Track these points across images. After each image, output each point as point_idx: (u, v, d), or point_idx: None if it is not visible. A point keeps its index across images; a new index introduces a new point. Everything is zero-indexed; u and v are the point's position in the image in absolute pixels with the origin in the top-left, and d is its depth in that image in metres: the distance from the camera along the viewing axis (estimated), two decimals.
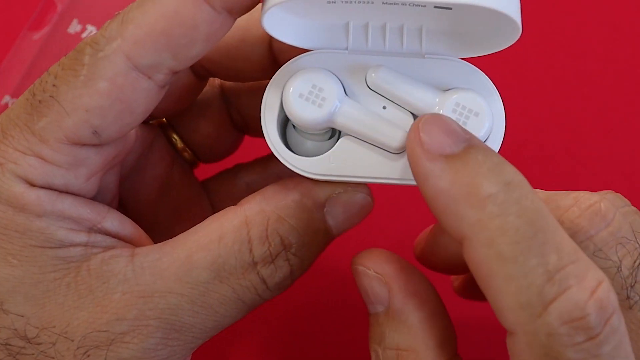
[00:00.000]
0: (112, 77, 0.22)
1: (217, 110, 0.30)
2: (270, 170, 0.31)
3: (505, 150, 0.38)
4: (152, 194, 0.29)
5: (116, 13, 0.22)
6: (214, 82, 0.30)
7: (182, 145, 0.30)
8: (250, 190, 0.30)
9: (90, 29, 0.40)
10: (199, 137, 0.30)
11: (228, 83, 0.30)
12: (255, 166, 0.31)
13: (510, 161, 0.37)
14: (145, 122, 0.28)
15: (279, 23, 0.23)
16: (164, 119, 0.30)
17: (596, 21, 0.42)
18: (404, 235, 0.38)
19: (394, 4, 0.22)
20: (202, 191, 0.31)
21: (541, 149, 0.40)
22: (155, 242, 0.24)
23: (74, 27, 0.40)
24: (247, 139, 0.32)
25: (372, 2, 0.22)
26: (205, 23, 0.21)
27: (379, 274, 0.24)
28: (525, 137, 0.40)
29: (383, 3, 0.22)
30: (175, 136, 0.30)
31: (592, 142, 0.40)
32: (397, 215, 0.38)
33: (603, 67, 0.42)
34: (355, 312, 0.37)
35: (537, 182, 0.38)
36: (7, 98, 0.39)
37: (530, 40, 0.42)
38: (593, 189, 0.38)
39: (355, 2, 0.22)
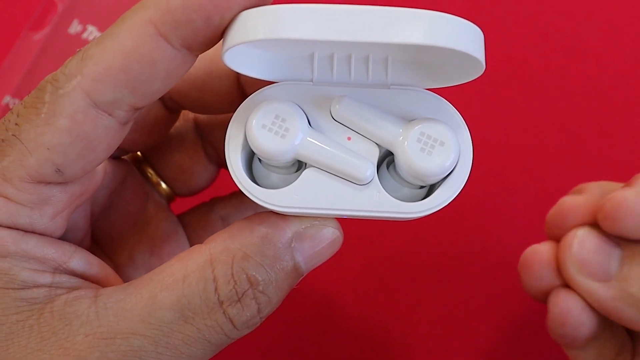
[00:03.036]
0: (72, 114, 0.21)
1: (191, 144, 0.30)
2: (246, 204, 0.30)
3: (504, 151, 0.38)
4: (127, 230, 0.29)
5: (77, 50, 0.22)
6: (188, 116, 0.30)
7: (157, 179, 0.30)
8: (226, 224, 0.30)
9: (91, 29, 0.40)
10: (174, 171, 0.30)
11: (202, 117, 0.30)
12: (232, 199, 0.31)
13: (509, 164, 0.37)
14: (117, 158, 0.28)
15: (241, 57, 0.22)
16: (139, 154, 0.30)
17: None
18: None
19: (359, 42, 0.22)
20: (179, 225, 0.31)
21: (541, 150, 0.39)
22: (132, 279, 0.24)
23: (75, 27, 0.40)
24: (226, 172, 0.31)
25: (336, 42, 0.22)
26: (164, 60, 0.21)
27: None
28: (524, 139, 0.40)
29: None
30: (150, 170, 0.30)
31: (592, 143, 0.39)
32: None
33: (600, 70, 0.41)
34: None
35: (537, 182, 0.38)
36: (7, 98, 0.39)
37: (532, 39, 0.41)
38: None
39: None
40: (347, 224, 0.25)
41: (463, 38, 0.20)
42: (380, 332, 0.37)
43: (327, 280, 0.37)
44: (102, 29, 0.40)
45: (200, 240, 0.24)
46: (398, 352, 0.37)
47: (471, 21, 0.21)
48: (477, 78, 0.22)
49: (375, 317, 0.37)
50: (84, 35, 0.40)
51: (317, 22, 0.20)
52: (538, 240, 0.37)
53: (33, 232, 0.23)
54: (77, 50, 0.22)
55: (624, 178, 0.38)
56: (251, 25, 0.20)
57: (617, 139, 0.39)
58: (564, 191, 0.38)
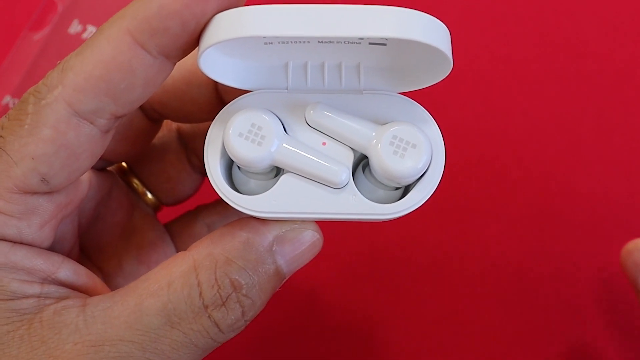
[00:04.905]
0: (55, 124, 0.22)
1: (175, 154, 0.31)
2: (230, 211, 0.31)
3: (504, 150, 0.39)
4: (114, 240, 0.30)
5: (58, 62, 0.23)
6: (171, 126, 0.31)
7: (142, 189, 0.31)
8: (211, 230, 0.30)
9: (91, 29, 0.40)
10: (159, 181, 0.31)
11: (184, 126, 0.31)
12: (216, 207, 0.31)
13: (509, 162, 0.37)
14: (102, 169, 0.29)
15: (217, 65, 0.23)
16: (125, 165, 0.31)
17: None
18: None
19: (330, 42, 0.22)
20: (166, 234, 0.31)
21: (541, 148, 0.40)
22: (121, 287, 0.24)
23: (75, 27, 0.41)
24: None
25: (309, 42, 0.23)
26: (142, 68, 0.22)
27: None
28: (524, 138, 0.40)
29: (319, 42, 0.23)
30: (136, 181, 0.31)
31: (592, 143, 0.40)
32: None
33: (600, 67, 0.41)
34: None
35: (537, 182, 0.38)
36: (7, 98, 0.40)
37: (533, 38, 0.42)
38: (593, 189, 0.38)
39: (291, 42, 0.23)
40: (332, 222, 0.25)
41: (431, 33, 0.21)
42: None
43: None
44: None
45: (186, 248, 0.25)
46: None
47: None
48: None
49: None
50: (84, 35, 0.40)
51: (284, 19, 0.20)
52: (537, 241, 0.38)
53: (21, 243, 0.23)
54: (58, 62, 0.23)
55: (624, 178, 0.39)
56: (220, 27, 0.21)
57: (617, 139, 0.40)
58: (564, 191, 0.38)
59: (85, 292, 0.25)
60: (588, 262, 0.38)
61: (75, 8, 0.41)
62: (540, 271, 0.38)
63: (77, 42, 0.40)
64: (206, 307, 0.23)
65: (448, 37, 0.21)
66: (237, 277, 0.23)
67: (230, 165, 0.25)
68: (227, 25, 0.21)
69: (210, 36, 0.21)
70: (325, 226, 0.25)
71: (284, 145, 0.23)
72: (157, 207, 0.32)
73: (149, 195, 0.31)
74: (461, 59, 0.38)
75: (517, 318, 0.37)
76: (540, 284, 0.38)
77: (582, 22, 0.42)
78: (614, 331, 0.37)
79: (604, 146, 0.40)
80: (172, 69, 0.23)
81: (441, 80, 0.23)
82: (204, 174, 0.31)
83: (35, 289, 0.23)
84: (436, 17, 0.21)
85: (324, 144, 0.23)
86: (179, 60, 0.22)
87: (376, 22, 0.20)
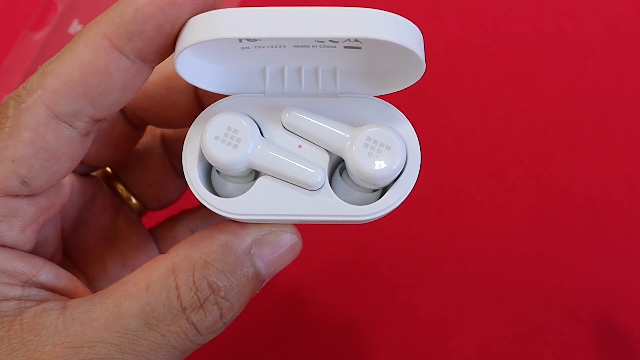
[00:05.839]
0: (35, 126, 0.22)
1: (158, 159, 0.31)
2: (212, 216, 0.31)
3: (508, 150, 0.39)
4: (98, 245, 0.30)
5: (38, 67, 0.23)
6: (155, 132, 0.31)
7: (127, 194, 0.31)
8: None
9: None
10: (143, 186, 0.31)
11: (168, 132, 0.31)
12: (199, 211, 0.32)
13: (510, 161, 0.36)
14: (86, 175, 0.29)
15: (194, 69, 0.23)
16: (109, 170, 0.31)
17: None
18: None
19: (305, 45, 0.23)
20: (150, 238, 0.31)
21: (541, 148, 0.40)
22: None
23: (75, 27, 0.41)
24: None
25: (284, 46, 0.23)
26: (119, 71, 0.22)
27: None
28: (525, 137, 0.40)
29: (295, 46, 0.23)
30: (120, 186, 0.31)
31: (592, 143, 0.40)
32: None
33: (601, 68, 0.42)
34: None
35: (537, 182, 0.38)
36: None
37: (528, 43, 0.42)
38: (593, 189, 0.38)
39: (268, 46, 0.23)
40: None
41: (403, 34, 0.21)
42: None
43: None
44: None
45: None
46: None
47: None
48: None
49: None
50: None
51: (257, 21, 0.21)
52: (537, 241, 0.37)
53: (2, 246, 0.24)
54: (38, 67, 0.23)
55: (624, 178, 0.39)
56: (194, 30, 0.21)
57: (617, 139, 0.40)
58: (564, 191, 0.38)
59: (67, 294, 0.25)
60: (588, 262, 0.38)
61: (75, 8, 0.41)
62: (539, 271, 0.38)
63: None
64: (184, 309, 0.23)
65: (420, 38, 0.22)
66: (215, 280, 0.23)
67: (209, 169, 0.25)
68: (200, 28, 0.21)
69: (185, 39, 0.21)
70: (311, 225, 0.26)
71: (259, 148, 0.23)
72: (141, 212, 0.32)
73: (134, 200, 0.31)
74: (461, 59, 0.39)
75: (516, 318, 0.37)
76: (539, 284, 0.38)
77: (582, 22, 0.42)
78: (613, 332, 0.37)
79: (604, 146, 0.40)
80: (150, 73, 0.23)
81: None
82: None
83: (16, 291, 0.24)
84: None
85: (299, 146, 0.24)
86: (156, 64, 0.23)
87: (348, 23, 0.21)
